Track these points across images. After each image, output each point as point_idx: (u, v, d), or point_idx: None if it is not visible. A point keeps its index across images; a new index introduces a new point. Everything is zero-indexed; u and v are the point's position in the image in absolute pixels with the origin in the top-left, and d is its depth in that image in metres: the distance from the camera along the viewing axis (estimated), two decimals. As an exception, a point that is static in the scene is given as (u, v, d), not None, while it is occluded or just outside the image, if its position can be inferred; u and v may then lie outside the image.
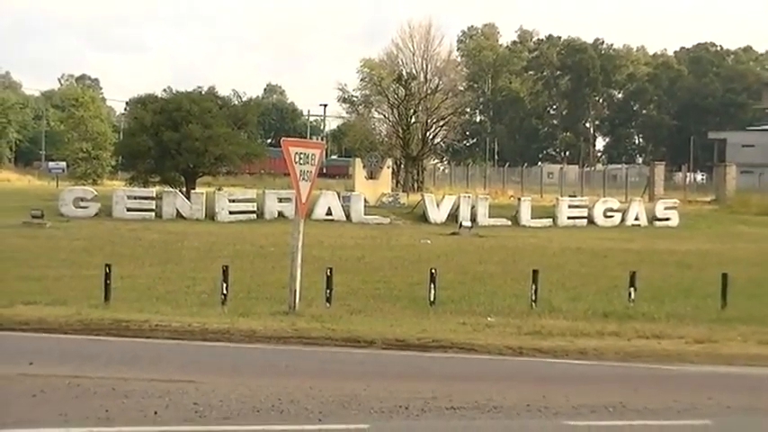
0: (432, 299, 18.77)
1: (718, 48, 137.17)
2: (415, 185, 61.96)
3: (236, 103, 77.70)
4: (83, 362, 13.25)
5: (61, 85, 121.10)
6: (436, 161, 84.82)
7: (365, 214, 41.25)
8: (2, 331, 15.93)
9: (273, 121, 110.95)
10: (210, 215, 39.72)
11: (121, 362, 13.56)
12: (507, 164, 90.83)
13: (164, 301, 18.50)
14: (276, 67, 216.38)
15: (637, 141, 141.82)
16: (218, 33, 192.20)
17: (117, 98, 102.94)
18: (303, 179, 19.01)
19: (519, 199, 47.57)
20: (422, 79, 69.19)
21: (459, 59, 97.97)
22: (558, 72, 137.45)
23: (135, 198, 41.71)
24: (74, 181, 64.11)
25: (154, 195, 42.09)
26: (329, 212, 39.97)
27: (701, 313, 18.63)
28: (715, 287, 19.79)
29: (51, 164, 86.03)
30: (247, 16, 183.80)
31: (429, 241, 33.39)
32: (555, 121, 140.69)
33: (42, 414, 10.25)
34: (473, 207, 42.41)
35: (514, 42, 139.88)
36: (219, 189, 46.54)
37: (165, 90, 61.77)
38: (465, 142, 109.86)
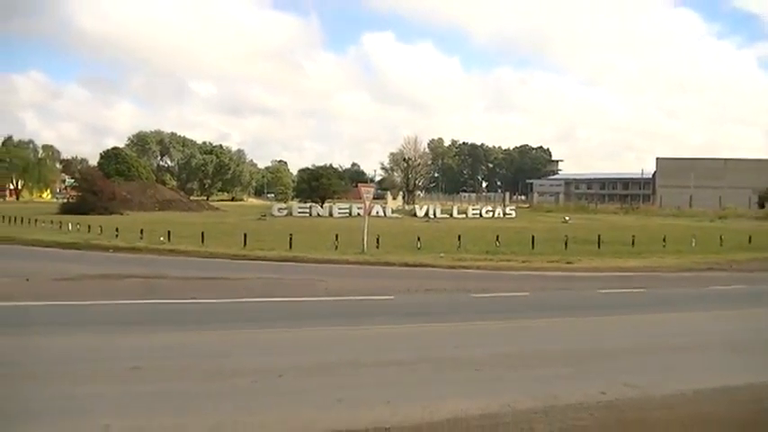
0: (418, 246, 18.65)
1: (529, 146, 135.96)
2: (411, 201, 61.45)
3: (340, 170, 77.84)
4: (284, 273, 13.25)
5: (271, 164, 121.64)
6: (419, 192, 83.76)
7: (391, 214, 41.07)
8: (247, 261, 15.99)
9: (354, 177, 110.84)
10: (331, 214, 39.68)
11: (298, 273, 13.59)
12: (447, 193, 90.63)
13: (312, 249, 18.42)
14: (355, 156, 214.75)
15: (498, 184, 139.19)
16: (330, 144, 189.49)
17: (293, 168, 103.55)
18: (367, 199, 19.14)
19: (453, 206, 47.25)
20: (413, 160, 68.68)
21: (428, 152, 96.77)
22: (467, 156, 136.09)
23: (301, 208, 41.67)
24: (277, 201, 64.30)
25: (309, 207, 42.01)
26: (377, 213, 39.74)
27: (523, 250, 18.36)
28: (529, 240, 19.61)
29: (268, 194, 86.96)
30: (341, 139, 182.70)
31: (416, 224, 33.18)
32: (465, 176, 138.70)
33: (267, 293, 10.29)
34: (434, 210, 42.22)
35: (449, 145, 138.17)
36: (334, 203, 46.45)
37: (311, 166, 62.13)
38: (431, 184, 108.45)
